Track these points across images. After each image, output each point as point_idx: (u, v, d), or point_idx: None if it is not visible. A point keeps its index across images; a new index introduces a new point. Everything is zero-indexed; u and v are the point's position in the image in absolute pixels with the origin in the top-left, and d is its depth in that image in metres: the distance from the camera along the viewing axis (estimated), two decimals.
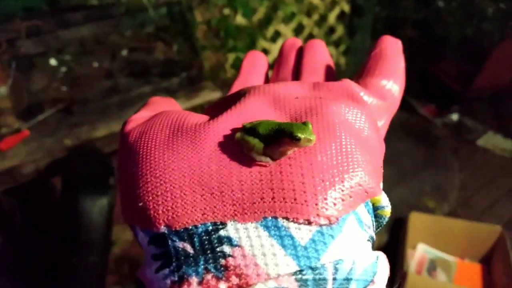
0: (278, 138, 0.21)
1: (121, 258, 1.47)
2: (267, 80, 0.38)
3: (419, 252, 1.63)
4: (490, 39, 2.37)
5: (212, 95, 1.48)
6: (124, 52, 1.66)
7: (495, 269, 1.54)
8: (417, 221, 1.59)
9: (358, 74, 0.30)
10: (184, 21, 1.68)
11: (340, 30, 2.29)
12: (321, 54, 0.36)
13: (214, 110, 0.30)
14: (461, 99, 2.53)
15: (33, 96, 1.40)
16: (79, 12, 1.67)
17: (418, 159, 2.18)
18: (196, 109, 1.48)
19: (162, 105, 0.32)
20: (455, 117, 2.50)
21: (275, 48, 2.03)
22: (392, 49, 0.31)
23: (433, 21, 2.44)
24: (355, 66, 2.38)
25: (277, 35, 2.06)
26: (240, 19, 1.80)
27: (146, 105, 0.31)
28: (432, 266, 1.59)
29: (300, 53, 0.37)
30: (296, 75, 0.35)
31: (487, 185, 2.03)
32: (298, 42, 0.38)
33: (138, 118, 0.28)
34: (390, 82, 0.29)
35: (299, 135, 0.21)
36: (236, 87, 0.35)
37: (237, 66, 1.86)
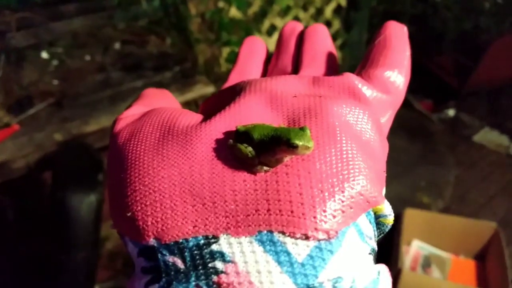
0: (274, 145, 0.20)
1: (114, 254, 1.46)
2: (266, 68, 0.36)
3: (414, 249, 1.63)
4: (487, 35, 2.36)
5: (205, 89, 1.46)
6: (117, 45, 1.64)
7: (489, 266, 1.54)
8: (412, 217, 1.59)
9: (362, 64, 0.29)
10: (178, 14, 1.66)
11: (336, 24, 2.27)
12: (322, 40, 0.34)
13: (209, 106, 0.29)
14: (458, 95, 2.52)
15: (23, 90, 1.38)
16: (71, 4, 1.65)
17: (413, 155, 2.17)
18: (189, 103, 1.46)
19: (156, 98, 0.30)
20: (451, 112, 2.50)
21: (270, 42, 2.01)
22: (397, 36, 0.29)
23: (430, 16, 2.43)
24: (351, 60, 2.36)
25: (272, 28, 2.04)
26: (234, 12, 1.78)
27: (139, 99, 0.30)
28: (427, 263, 1.59)
29: (301, 38, 0.35)
30: (297, 62, 0.34)
31: (482, 181, 2.03)
32: (299, 26, 0.36)
33: (129, 115, 0.27)
34: (395, 72, 0.27)
35: (297, 142, 0.19)
36: (233, 76, 0.34)
37: (231, 60, 1.84)
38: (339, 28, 2.29)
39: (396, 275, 1.40)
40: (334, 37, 2.32)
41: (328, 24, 2.26)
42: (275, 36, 2.02)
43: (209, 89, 1.47)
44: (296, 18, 2.10)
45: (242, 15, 1.82)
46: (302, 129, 0.20)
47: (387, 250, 1.56)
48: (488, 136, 2.32)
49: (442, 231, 1.62)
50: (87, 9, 1.67)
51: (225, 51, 1.85)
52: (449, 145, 2.28)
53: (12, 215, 1.31)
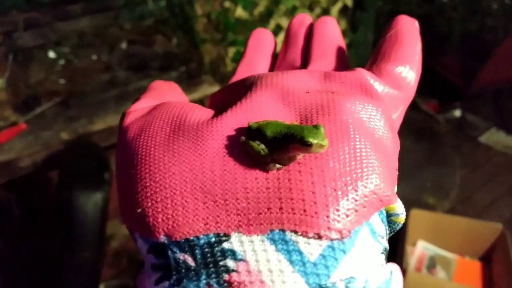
0: (287, 143, 0.20)
1: (119, 252, 1.47)
2: (274, 61, 0.36)
3: (419, 249, 1.62)
4: (494, 35, 2.34)
5: (211, 89, 1.46)
6: (123, 45, 1.65)
7: (495, 267, 1.53)
8: (417, 218, 1.58)
9: (373, 59, 0.28)
10: (184, 14, 1.66)
11: (342, 25, 2.26)
12: (331, 33, 0.33)
13: (218, 100, 0.28)
14: (464, 95, 2.50)
15: (31, 89, 1.39)
16: (78, 4, 1.66)
17: (419, 156, 2.16)
18: (195, 103, 1.46)
19: (164, 91, 0.30)
20: (457, 113, 2.48)
21: (277, 42, 2.01)
22: (408, 31, 0.29)
23: (436, 16, 2.41)
24: (357, 60, 2.35)
25: (278, 29, 2.04)
26: (240, 12, 1.78)
27: (147, 92, 0.29)
28: (432, 263, 1.58)
29: (310, 31, 0.35)
30: (305, 55, 0.33)
31: (488, 182, 2.01)
32: (308, 19, 0.36)
33: (138, 109, 0.26)
34: (406, 68, 0.27)
35: (311, 140, 0.19)
36: (241, 70, 0.33)
37: (237, 60, 1.83)
38: (345, 28, 2.29)
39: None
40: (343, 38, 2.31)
41: None
42: (281, 36, 2.02)
43: (215, 89, 1.47)
44: None
45: (248, 15, 1.82)
46: (316, 127, 0.20)
47: (392, 251, 1.56)
48: (494, 137, 2.31)
49: (448, 232, 1.62)
50: (93, 9, 1.68)
51: (231, 51, 1.85)
52: (455, 146, 2.27)
53: (18, 214, 1.32)
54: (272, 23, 1.99)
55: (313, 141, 0.19)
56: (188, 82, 1.48)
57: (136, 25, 1.67)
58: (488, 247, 1.58)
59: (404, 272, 1.38)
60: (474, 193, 1.96)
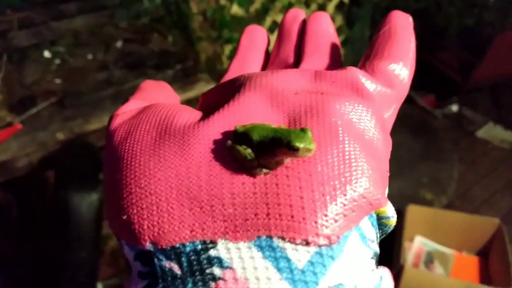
0: (274, 147, 0.19)
1: (117, 251, 1.46)
2: (267, 57, 0.35)
3: (416, 245, 1.63)
4: (491, 29, 2.34)
5: (207, 87, 1.45)
6: (119, 44, 1.64)
7: (492, 262, 1.54)
8: (414, 213, 1.58)
9: (366, 55, 0.28)
10: (180, 11, 1.66)
11: (338, 20, 2.26)
12: (325, 29, 0.33)
13: (208, 100, 0.28)
14: (461, 90, 2.50)
15: (26, 89, 1.38)
16: (72, 3, 1.65)
17: (416, 151, 2.16)
18: (191, 101, 1.46)
19: (154, 92, 0.29)
20: (454, 108, 2.48)
21: (272, 39, 1.98)
22: (402, 27, 0.28)
23: (433, 11, 2.41)
24: (354, 56, 2.35)
25: (275, 25, 2.03)
26: (236, 10, 1.77)
27: (136, 92, 0.29)
28: (429, 259, 1.59)
29: (303, 26, 0.34)
30: (299, 51, 0.33)
31: (486, 177, 2.02)
32: (301, 14, 0.35)
33: (126, 111, 0.26)
34: (400, 65, 0.26)
35: (298, 145, 0.18)
36: (234, 67, 0.33)
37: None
38: (341, 24, 2.28)
39: (398, 271, 1.40)
40: (337, 33, 2.31)
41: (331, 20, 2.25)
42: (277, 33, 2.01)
43: (211, 87, 1.47)
44: None
45: (244, 12, 1.82)
46: (303, 130, 0.20)
47: (390, 246, 1.56)
48: (491, 132, 2.31)
49: (445, 227, 1.62)
50: (88, 7, 1.68)
51: (227, 48, 1.85)
52: (452, 141, 2.27)
53: (15, 214, 1.32)
54: (268, 20, 1.98)
55: (300, 145, 0.18)
56: (184, 80, 1.48)
57: (131, 24, 1.67)
58: (486, 242, 1.58)
59: (401, 268, 1.38)
60: (471, 188, 1.96)
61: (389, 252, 1.54)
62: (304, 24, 0.34)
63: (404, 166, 2.01)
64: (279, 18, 2.01)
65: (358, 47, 2.34)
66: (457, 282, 1.39)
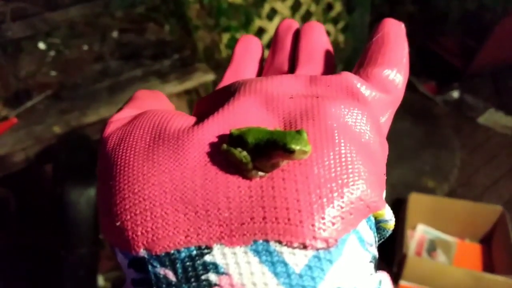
0: (270, 150, 0.19)
1: None
2: (261, 66, 0.36)
3: (419, 233, 1.62)
4: (492, 14, 2.31)
5: (205, 77, 1.44)
6: (115, 34, 1.61)
7: (495, 249, 1.54)
8: (416, 201, 1.58)
9: (359, 62, 0.28)
10: (176, 0, 1.63)
11: (338, 7, 2.23)
12: (318, 38, 0.33)
13: (203, 107, 0.28)
14: (462, 76, 2.48)
15: (21, 82, 1.36)
16: None
17: (417, 138, 2.15)
18: (189, 92, 1.45)
19: (148, 100, 0.29)
20: (455, 94, 2.47)
21: (271, 27, 1.98)
22: (395, 34, 0.28)
23: None
24: (354, 43, 2.33)
25: (273, 13, 2.01)
26: None
27: (130, 101, 0.29)
28: (432, 247, 1.59)
29: (297, 35, 0.34)
30: (293, 60, 0.33)
31: (488, 163, 2.01)
32: (295, 24, 0.36)
33: (120, 118, 0.26)
34: (394, 71, 0.26)
35: (293, 146, 0.18)
36: (228, 76, 0.33)
37: (232, 46, 1.81)
38: (341, 11, 2.26)
39: (401, 260, 1.40)
40: (336, 20, 2.28)
41: (330, 6, 2.23)
42: (276, 20, 1.99)
43: (209, 77, 1.45)
44: (297, 2, 2.06)
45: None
46: (298, 132, 0.19)
47: (392, 235, 1.55)
48: (493, 118, 2.29)
49: (447, 215, 1.62)
50: None
51: (225, 37, 1.83)
52: (453, 127, 2.26)
53: (12, 209, 1.31)
54: (267, 7, 1.96)
55: (296, 147, 0.18)
56: (182, 70, 1.46)
57: (127, 13, 1.64)
58: (488, 230, 1.58)
59: (404, 256, 1.38)
60: (473, 175, 1.96)
61: (392, 241, 1.53)
62: (297, 33, 0.35)
63: (405, 154, 2.00)
64: (277, 5, 1.98)
65: (358, 33, 2.32)
66: (460, 270, 1.39)
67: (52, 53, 1.50)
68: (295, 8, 2.07)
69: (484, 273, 1.39)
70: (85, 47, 1.56)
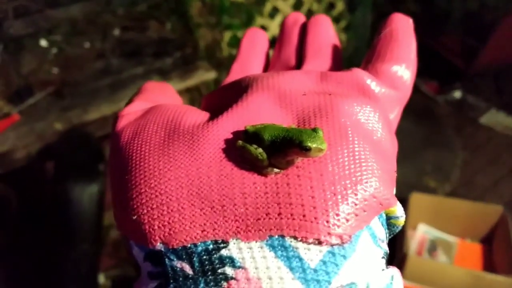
0: (285, 147, 0.19)
1: (119, 242, 1.46)
2: (268, 60, 0.36)
3: (420, 233, 1.62)
4: (494, 14, 2.31)
5: (207, 75, 1.44)
6: (116, 32, 1.61)
7: (496, 249, 1.54)
8: (418, 201, 1.58)
9: (368, 58, 0.28)
10: None
11: (340, 6, 2.23)
12: (326, 32, 0.33)
13: (213, 102, 0.28)
14: (464, 76, 2.48)
15: (23, 79, 1.36)
16: None
17: (419, 138, 2.15)
18: (191, 90, 1.44)
19: (157, 93, 0.30)
20: (457, 94, 2.46)
21: (273, 25, 1.97)
22: (403, 29, 0.28)
23: None
24: (356, 42, 2.32)
25: (275, 11, 2.00)
26: None
27: (139, 94, 0.29)
28: (433, 247, 1.58)
29: (303, 30, 0.34)
30: (300, 54, 0.33)
31: (489, 164, 2.01)
32: (301, 18, 0.36)
33: (131, 112, 0.26)
34: (402, 67, 0.26)
35: (310, 144, 0.19)
36: (235, 70, 0.33)
37: (233, 44, 1.81)
38: (342, 10, 2.25)
39: (402, 259, 1.40)
40: (338, 19, 2.28)
41: (332, 5, 2.22)
42: (278, 18, 1.99)
43: (211, 75, 1.45)
44: (299, 0, 2.06)
45: None
46: (314, 130, 0.20)
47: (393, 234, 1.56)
48: (495, 118, 2.29)
49: (449, 215, 1.62)
50: None
51: (227, 35, 1.82)
52: (455, 127, 2.25)
53: (14, 206, 1.31)
54: (268, 6, 1.95)
55: (312, 145, 0.19)
56: (183, 68, 1.46)
57: (129, 11, 1.64)
58: (489, 230, 1.58)
59: (404, 256, 1.38)
60: (474, 176, 1.96)
61: (392, 240, 1.53)
62: (304, 27, 0.35)
63: (407, 153, 2.00)
64: (279, 3, 1.98)
65: (360, 33, 2.31)
66: (461, 270, 1.39)
67: (53, 50, 1.50)
68: (296, 6, 2.07)
69: (484, 273, 1.38)
70: (87, 45, 1.56)
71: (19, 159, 1.21)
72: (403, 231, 1.49)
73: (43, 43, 1.51)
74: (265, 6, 1.94)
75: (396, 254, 1.48)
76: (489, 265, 1.51)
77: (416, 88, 2.42)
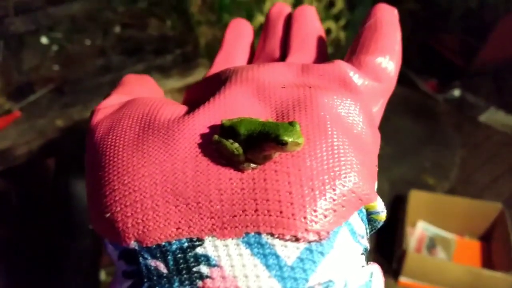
0: (262, 142, 0.19)
1: None
2: (252, 52, 0.35)
3: (419, 230, 1.63)
4: (494, 12, 2.30)
5: (207, 72, 1.44)
6: (117, 29, 1.61)
7: (494, 247, 1.54)
8: (416, 198, 1.58)
9: (351, 49, 0.27)
10: None
11: (340, 4, 2.23)
12: (311, 23, 0.33)
13: (193, 95, 0.27)
14: (463, 74, 2.48)
15: (24, 76, 1.36)
16: None
17: (418, 136, 2.15)
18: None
19: (137, 86, 0.29)
20: (457, 92, 2.46)
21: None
22: (387, 20, 0.28)
23: None
24: None
25: None
26: None
27: (118, 87, 0.29)
28: (432, 244, 1.59)
29: (289, 21, 0.34)
30: (284, 45, 0.32)
31: (488, 162, 2.01)
32: (287, 8, 0.35)
33: (108, 106, 0.26)
34: (386, 58, 0.26)
35: (286, 138, 0.18)
36: (218, 62, 0.33)
37: None
38: (342, 8, 2.25)
39: (401, 256, 1.41)
40: (338, 17, 2.28)
41: (331, 3, 2.22)
42: None
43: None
44: None
45: None
46: (291, 124, 0.19)
47: (392, 232, 1.56)
48: (494, 116, 2.29)
49: (447, 212, 1.62)
50: None
51: None
52: (454, 125, 2.25)
53: (15, 202, 1.32)
54: (268, 3, 1.96)
55: (289, 139, 0.18)
56: (183, 66, 1.46)
57: (129, 8, 1.64)
58: (488, 227, 1.59)
59: (404, 253, 1.39)
60: (473, 173, 1.96)
61: (392, 238, 1.54)
62: (289, 18, 0.34)
63: (406, 151, 2.00)
64: (279, 1, 1.98)
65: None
66: (460, 267, 1.39)
67: (54, 47, 1.50)
68: (296, 4, 2.07)
69: (483, 270, 1.39)
70: (88, 42, 1.56)
71: (20, 156, 1.21)
72: (402, 228, 1.50)
73: (44, 40, 1.51)
74: (265, 4, 1.94)
75: (395, 251, 1.49)
76: (488, 262, 1.52)
77: (415, 86, 2.43)
